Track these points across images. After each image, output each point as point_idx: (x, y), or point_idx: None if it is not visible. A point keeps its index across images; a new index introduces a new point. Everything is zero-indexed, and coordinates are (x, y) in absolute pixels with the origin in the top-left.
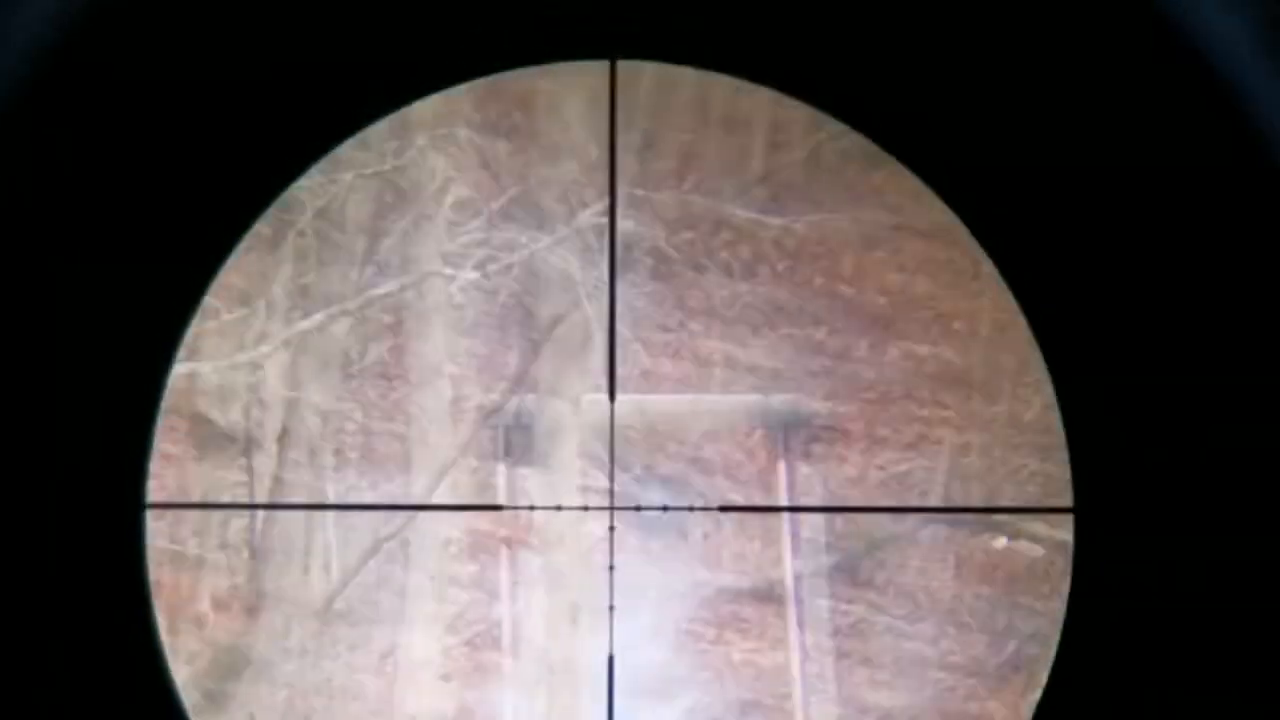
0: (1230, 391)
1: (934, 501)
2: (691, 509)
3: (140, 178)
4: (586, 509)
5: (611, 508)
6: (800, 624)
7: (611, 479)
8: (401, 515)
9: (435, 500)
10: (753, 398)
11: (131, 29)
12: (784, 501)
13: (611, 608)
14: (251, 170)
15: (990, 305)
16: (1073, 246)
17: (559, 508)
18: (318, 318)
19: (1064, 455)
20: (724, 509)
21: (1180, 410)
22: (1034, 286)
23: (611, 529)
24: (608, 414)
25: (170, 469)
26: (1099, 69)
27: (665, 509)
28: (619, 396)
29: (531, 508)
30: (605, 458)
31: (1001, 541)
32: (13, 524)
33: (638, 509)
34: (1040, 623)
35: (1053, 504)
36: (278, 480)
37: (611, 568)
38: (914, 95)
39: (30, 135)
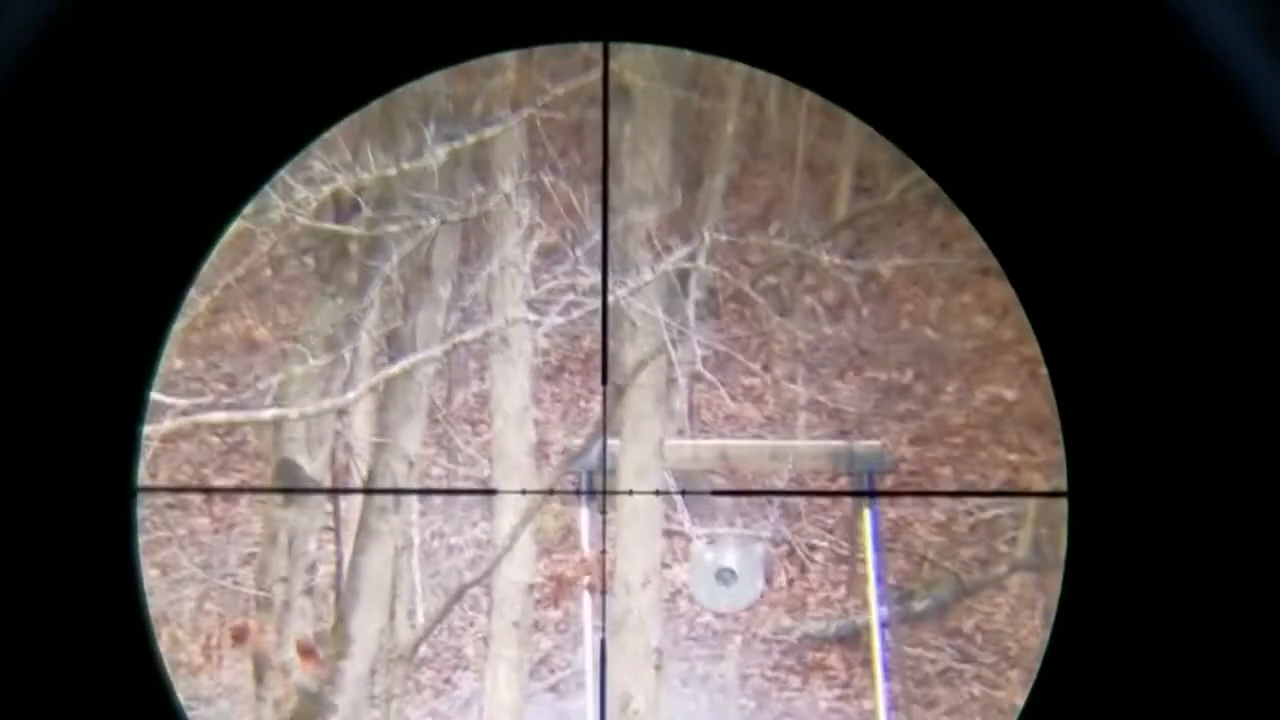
0: (1230, 380)
1: (1023, 549)
2: (683, 492)
3: (126, 165)
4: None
5: (605, 491)
6: (886, 670)
7: (604, 472)
8: (486, 561)
9: (518, 547)
10: (838, 442)
11: (110, 23)
12: (869, 548)
13: (604, 594)
14: (239, 155)
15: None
16: (1069, 235)
17: (523, 492)
18: (404, 364)
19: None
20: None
21: (1179, 397)
22: (1029, 273)
23: (604, 513)
24: (689, 459)
25: (257, 514)
26: (1092, 59)
27: (631, 493)
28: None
29: (493, 492)
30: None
31: None
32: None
33: (631, 493)
34: None
35: None
36: (364, 525)
37: (604, 552)
38: (914, 80)
39: (13, 128)
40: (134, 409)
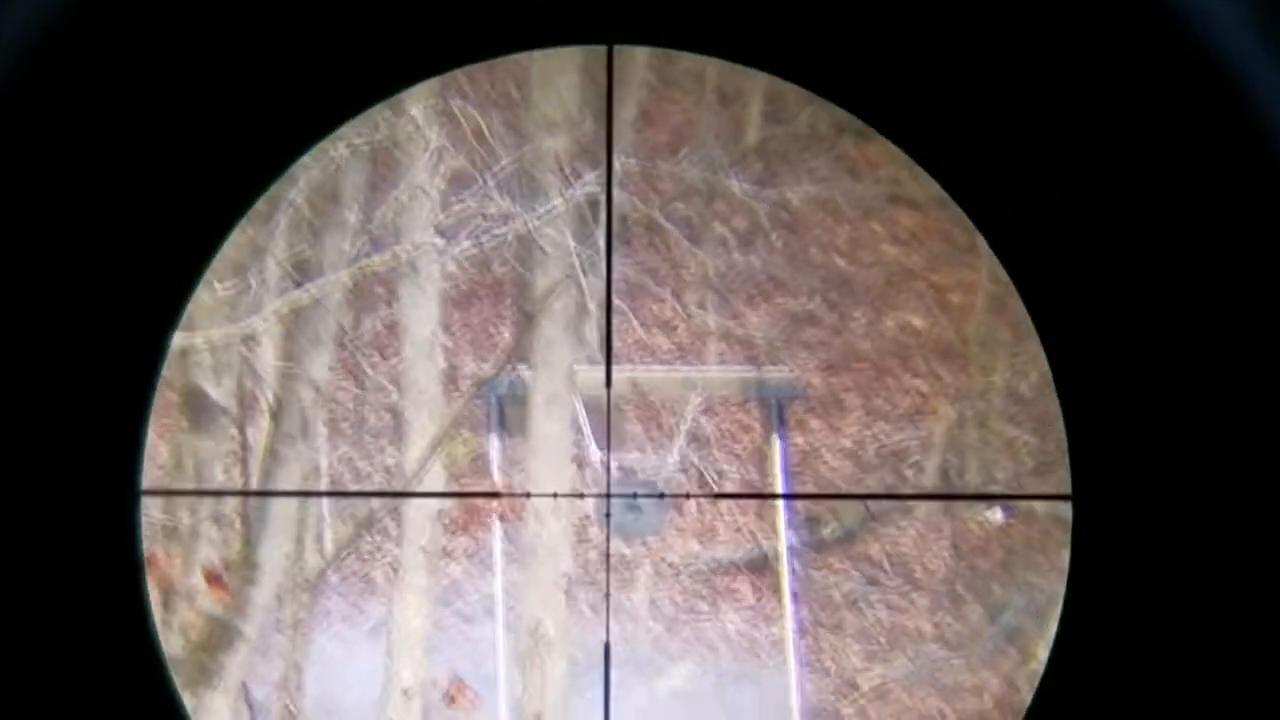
0: (1231, 380)
1: (930, 476)
2: (688, 496)
3: (129, 166)
4: (583, 496)
5: (608, 495)
6: (795, 597)
7: (608, 470)
8: (395, 488)
9: (428, 473)
10: (748, 371)
11: (110, 24)
12: (779, 476)
13: (607, 595)
14: (241, 158)
15: (985, 278)
16: (1071, 236)
17: (554, 495)
18: (311, 290)
19: (1059, 428)
20: (719, 496)
21: (1181, 399)
22: (1032, 276)
23: (608, 515)
24: (601, 384)
25: (164, 441)
26: (1091, 44)
27: (661, 496)
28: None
29: (528, 494)
30: (597, 428)
31: (998, 515)
32: (4, 512)
33: (634, 496)
34: (1036, 596)
35: (1048, 476)
36: (270, 452)
37: (608, 555)
38: (910, 77)
39: (21, 125)
40: (137, 410)
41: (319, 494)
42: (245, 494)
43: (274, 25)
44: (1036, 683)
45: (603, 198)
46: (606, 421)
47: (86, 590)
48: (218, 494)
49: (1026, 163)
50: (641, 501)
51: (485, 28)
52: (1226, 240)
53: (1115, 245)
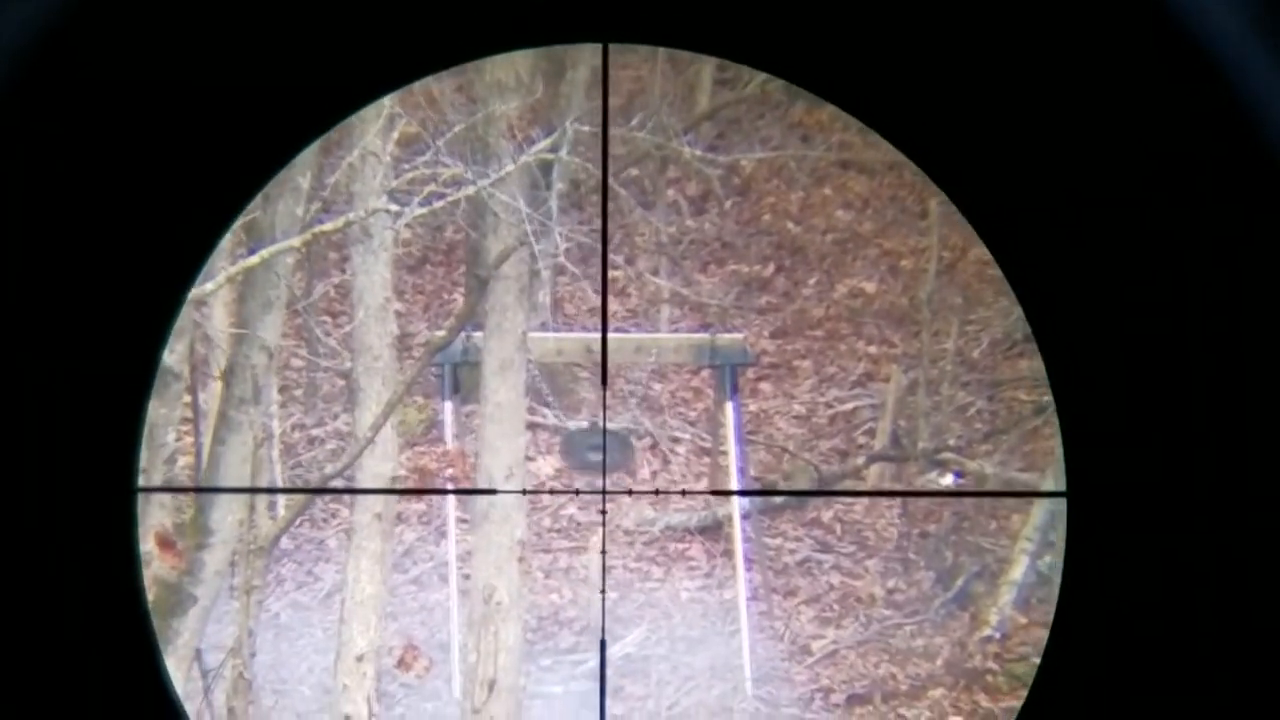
0: (1229, 379)
1: (881, 440)
2: (684, 492)
3: (126, 165)
4: (579, 493)
5: (604, 491)
6: (747, 561)
7: (604, 470)
8: (348, 454)
9: (380, 440)
10: (700, 335)
11: (109, 23)
12: (732, 440)
13: (603, 592)
14: (238, 156)
15: (938, 243)
16: (1068, 235)
17: (524, 492)
18: (262, 253)
19: (1012, 394)
20: (685, 493)
21: (1177, 397)
22: (1029, 275)
23: (603, 512)
24: (553, 351)
25: None
26: (1089, 43)
27: (630, 493)
28: (564, 331)
29: (523, 492)
30: (550, 393)
31: (948, 479)
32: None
33: (630, 493)
34: (987, 559)
35: (999, 441)
36: (223, 417)
37: (604, 552)
38: (910, 76)
39: (13, 128)
40: (134, 409)
41: (313, 491)
42: (247, 491)
43: (267, 24)
44: (1033, 682)
45: (564, 166)
46: (604, 420)
47: (83, 588)
48: (214, 491)
49: (1023, 160)
50: (608, 441)
51: (481, 26)
52: (1225, 239)
53: (1112, 243)
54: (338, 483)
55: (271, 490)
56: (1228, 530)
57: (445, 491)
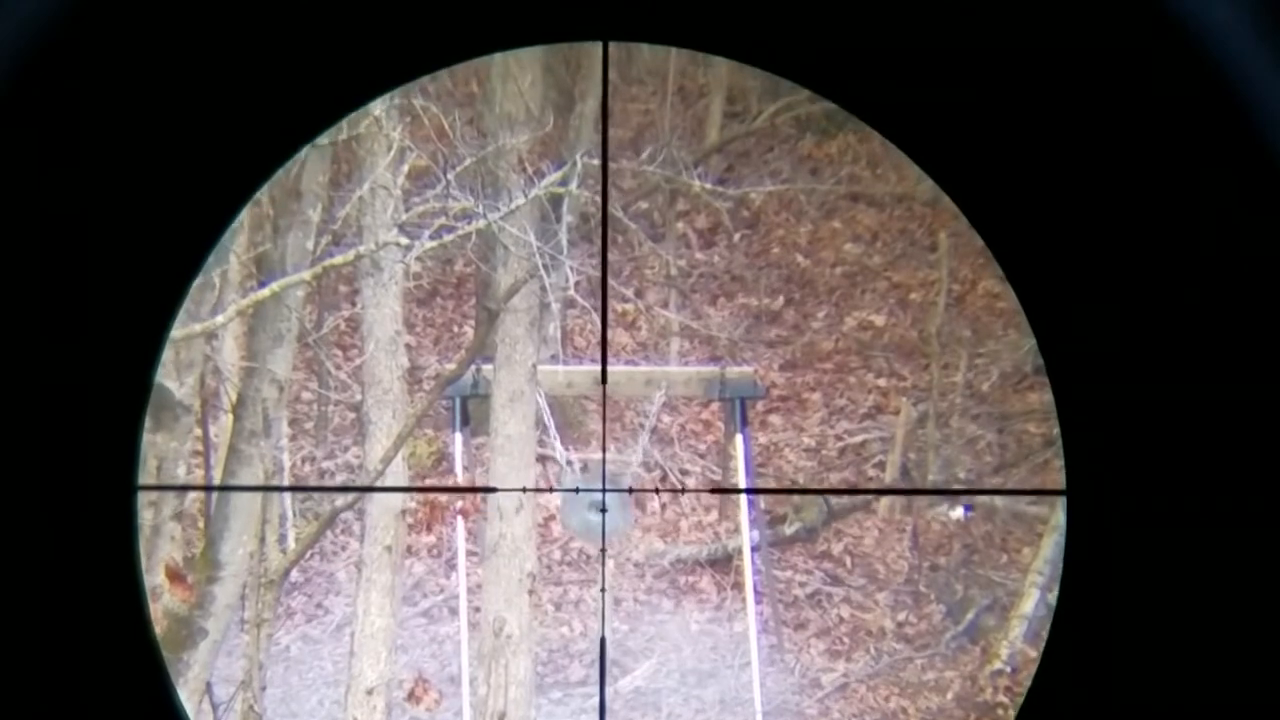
0: (1228, 378)
1: (891, 473)
2: (684, 490)
3: (125, 164)
4: (578, 491)
5: (604, 489)
6: (758, 593)
7: (604, 465)
8: (358, 486)
9: (391, 472)
10: (710, 368)
11: (109, 23)
12: (743, 473)
13: (603, 590)
14: (238, 155)
15: (947, 276)
16: (1067, 235)
17: (524, 490)
18: (273, 286)
19: (1022, 427)
20: (685, 490)
21: (1178, 395)
22: (1028, 273)
23: (603, 510)
24: (562, 384)
25: None
26: (1089, 43)
27: (631, 491)
28: (574, 364)
29: (521, 490)
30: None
31: (959, 512)
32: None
33: (632, 491)
34: (997, 593)
35: (1008, 474)
36: (233, 450)
37: (604, 550)
38: (910, 76)
39: (13, 128)
40: (134, 407)
41: (317, 490)
42: (247, 489)
43: (266, 23)
44: (1032, 681)
45: (574, 199)
46: (603, 415)
47: (82, 586)
48: (209, 489)
49: (1023, 160)
50: (608, 501)
51: (480, 24)
52: (1224, 238)
53: (1111, 242)
54: (348, 516)
55: (279, 489)
56: (1228, 529)
57: (447, 489)
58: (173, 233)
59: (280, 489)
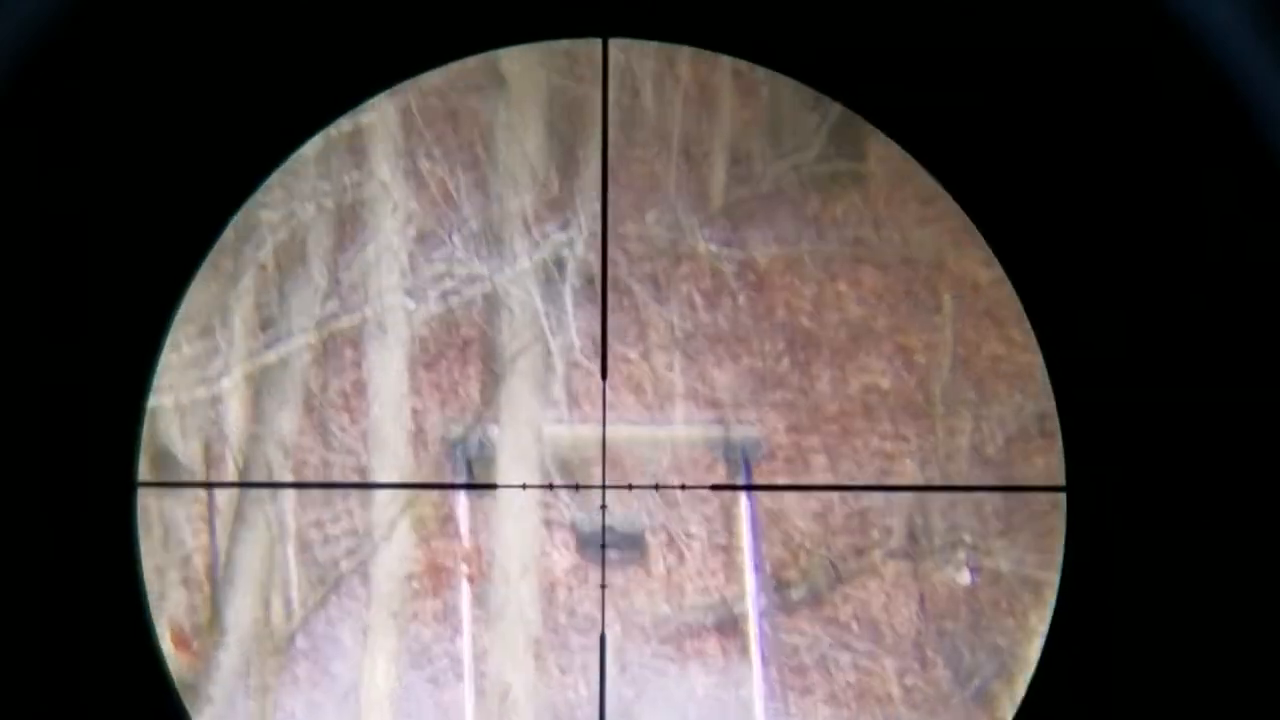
0: (1226, 377)
1: (897, 536)
2: (684, 487)
3: (125, 165)
4: (578, 488)
5: (604, 486)
6: (764, 657)
7: (604, 464)
8: (363, 551)
9: (396, 534)
10: (715, 430)
11: (109, 23)
12: (747, 536)
13: (603, 586)
14: (238, 154)
15: (952, 338)
16: (1068, 234)
17: (524, 487)
18: (279, 351)
19: (1025, 479)
20: (685, 487)
21: (1176, 394)
22: (1029, 274)
23: (603, 507)
24: (567, 445)
25: None
26: (1090, 43)
27: (630, 488)
28: (580, 426)
29: (494, 487)
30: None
31: (965, 575)
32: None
33: (629, 488)
34: (1004, 657)
35: (1015, 537)
36: (239, 515)
37: (604, 547)
38: (911, 75)
39: (13, 128)
40: (133, 406)
41: (302, 486)
42: (250, 487)
43: (266, 23)
44: (1031, 679)
45: (578, 261)
46: (603, 407)
47: (82, 583)
48: (208, 486)
49: (1025, 160)
50: (615, 547)
51: (481, 22)
52: (1224, 238)
53: (1112, 241)
54: (354, 581)
55: (281, 485)
56: (1228, 528)
57: (449, 486)
58: (173, 233)
59: (273, 485)
